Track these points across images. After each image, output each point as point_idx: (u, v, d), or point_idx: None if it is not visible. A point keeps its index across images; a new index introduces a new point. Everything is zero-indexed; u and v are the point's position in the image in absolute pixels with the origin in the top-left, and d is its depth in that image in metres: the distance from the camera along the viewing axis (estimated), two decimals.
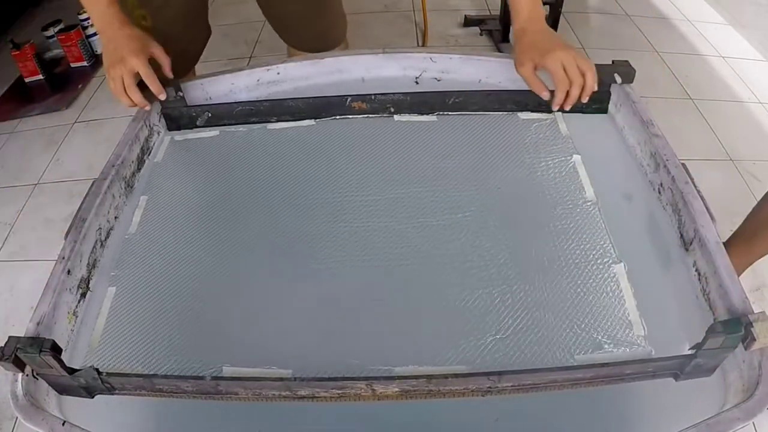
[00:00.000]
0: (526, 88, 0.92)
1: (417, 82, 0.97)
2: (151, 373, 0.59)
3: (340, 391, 0.52)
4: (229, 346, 0.62)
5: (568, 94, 0.82)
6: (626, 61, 0.86)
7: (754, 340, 0.51)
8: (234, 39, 2.32)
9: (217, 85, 0.94)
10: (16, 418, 1.03)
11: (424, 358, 0.59)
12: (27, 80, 2.25)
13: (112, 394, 0.57)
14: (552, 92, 0.84)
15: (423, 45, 2.28)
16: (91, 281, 0.68)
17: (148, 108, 0.88)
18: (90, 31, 2.32)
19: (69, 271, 0.64)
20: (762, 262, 1.19)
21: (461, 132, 0.87)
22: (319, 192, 0.79)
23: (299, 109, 0.90)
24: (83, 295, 0.66)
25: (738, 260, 1.14)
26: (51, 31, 2.31)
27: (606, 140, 0.86)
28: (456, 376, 0.53)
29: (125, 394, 0.56)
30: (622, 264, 0.67)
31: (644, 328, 0.61)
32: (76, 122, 2.03)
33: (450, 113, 0.91)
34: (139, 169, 0.83)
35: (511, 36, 2.22)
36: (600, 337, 0.60)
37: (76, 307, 0.65)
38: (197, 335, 0.63)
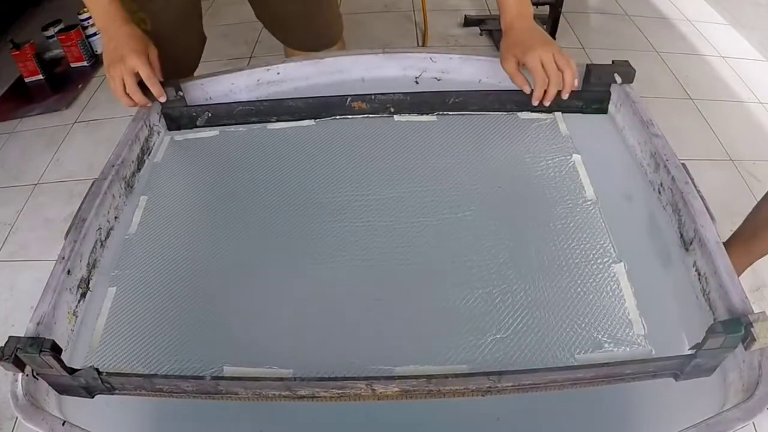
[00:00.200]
0: None
1: (417, 82, 0.97)
2: (152, 373, 0.59)
3: (340, 391, 0.52)
4: (230, 346, 0.62)
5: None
6: (626, 61, 0.86)
7: (754, 340, 0.51)
8: (234, 39, 2.33)
9: (217, 85, 0.94)
10: (16, 418, 1.03)
11: (425, 358, 0.59)
12: (27, 80, 2.25)
13: (112, 394, 0.57)
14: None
15: (423, 45, 2.28)
16: (91, 281, 0.68)
17: (149, 105, 0.88)
18: (90, 31, 2.32)
19: (69, 271, 0.64)
20: (762, 262, 1.19)
21: (461, 132, 0.87)
22: (319, 192, 0.79)
23: (299, 109, 0.90)
24: (83, 295, 0.66)
25: (738, 260, 1.14)
26: (51, 31, 2.31)
27: (606, 140, 0.86)
28: (456, 376, 0.53)
29: (125, 394, 0.56)
30: (622, 263, 0.67)
31: (644, 328, 0.61)
32: (76, 122, 2.03)
33: (450, 113, 0.91)
34: (139, 169, 0.83)
35: None
36: (600, 337, 0.60)
37: (76, 307, 0.65)
38: (198, 335, 0.63)
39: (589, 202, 0.75)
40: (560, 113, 0.89)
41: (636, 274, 0.66)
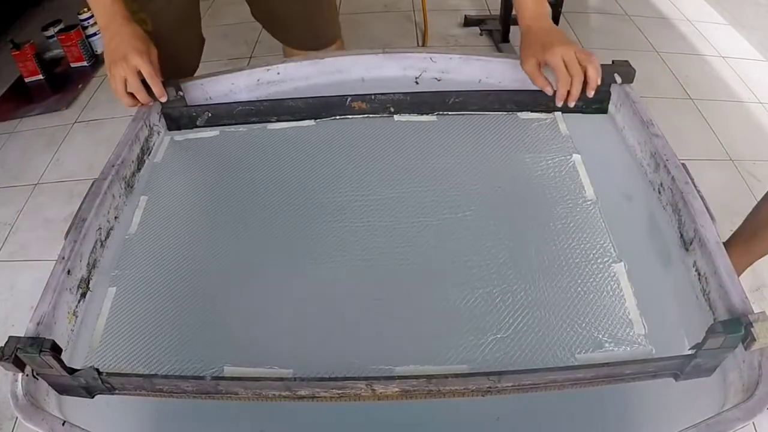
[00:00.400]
0: (525, 88, 0.92)
1: (417, 82, 0.97)
2: (152, 373, 0.59)
3: (340, 391, 0.52)
4: (230, 346, 0.62)
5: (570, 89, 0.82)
6: (626, 61, 0.86)
7: (754, 340, 0.51)
8: (234, 39, 2.33)
9: (217, 85, 0.94)
10: (16, 418, 1.03)
11: (425, 358, 0.59)
12: (27, 80, 2.25)
13: (112, 394, 0.57)
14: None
15: (423, 45, 2.28)
16: (91, 281, 0.68)
17: (150, 105, 0.88)
18: (90, 31, 2.32)
19: (69, 271, 0.64)
20: (762, 262, 1.19)
21: (461, 132, 0.87)
22: (319, 192, 0.79)
23: (299, 109, 0.90)
24: (83, 295, 0.66)
25: (738, 260, 1.14)
26: (51, 31, 2.31)
27: (606, 140, 0.86)
28: (456, 376, 0.53)
29: (125, 394, 0.56)
30: (622, 263, 0.67)
31: (644, 327, 0.61)
32: (76, 122, 2.03)
33: (450, 113, 0.91)
34: (139, 169, 0.83)
35: (518, 36, 2.22)
36: (600, 336, 0.60)
37: (76, 307, 0.65)
38: (198, 335, 0.63)
39: (589, 202, 0.75)
40: (560, 113, 0.89)
41: (636, 274, 0.66)
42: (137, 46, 0.84)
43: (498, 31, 2.24)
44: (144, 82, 0.85)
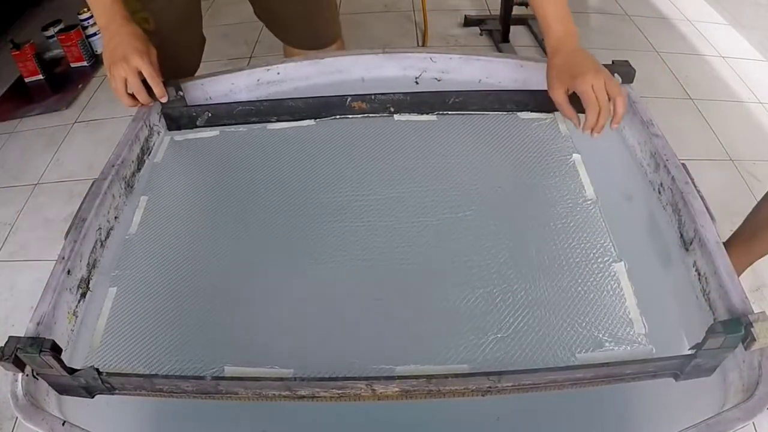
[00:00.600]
0: (526, 88, 0.92)
1: (417, 82, 0.97)
2: (153, 373, 0.59)
3: (340, 391, 0.52)
4: (230, 346, 0.62)
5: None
6: (626, 61, 0.86)
7: (754, 340, 0.51)
8: (234, 39, 2.32)
9: (217, 85, 0.94)
10: (16, 418, 1.03)
11: (425, 358, 0.59)
12: (27, 80, 2.25)
13: (112, 394, 0.57)
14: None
15: (423, 45, 2.28)
16: (91, 281, 0.68)
17: (151, 105, 0.88)
18: (90, 31, 2.32)
19: (69, 271, 0.64)
20: (762, 262, 1.19)
21: (461, 132, 0.87)
22: (319, 192, 0.79)
23: (299, 109, 0.90)
24: (83, 295, 0.66)
25: (738, 260, 1.14)
26: (51, 31, 2.31)
27: (606, 140, 0.86)
28: (456, 376, 0.53)
29: (125, 394, 0.56)
30: (622, 263, 0.67)
31: (645, 326, 0.61)
32: (76, 122, 2.03)
33: (450, 113, 0.91)
34: (139, 169, 0.83)
35: (518, 36, 2.23)
36: (601, 336, 0.60)
37: (76, 307, 0.65)
38: (198, 335, 0.63)
39: (589, 202, 0.75)
40: (560, 113, 0.89)
41: (636, 274, 0.66)
42: (137, 46, 0.84)
43: (498, 31, 2.24)
44: (144, 82, 0.85)
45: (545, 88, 0.88)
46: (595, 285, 0.65)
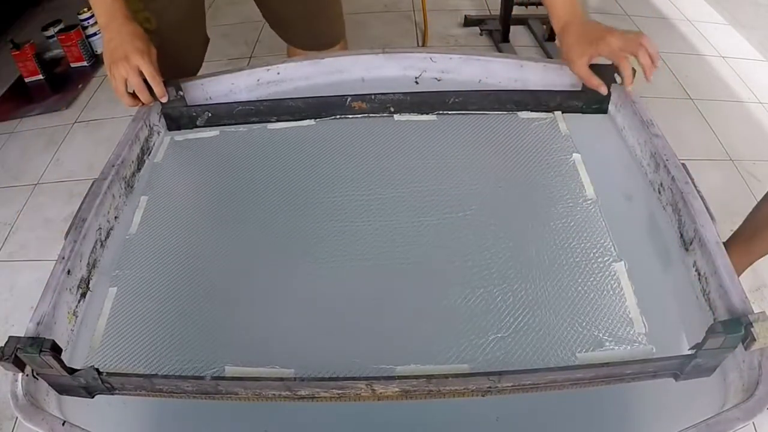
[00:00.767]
0: (526, 88, 0.92)
1: (417, 82, 0.97)
2: (153, 373, 0.59)
3: (340, 391, 0.52)
4: (231, 346, 0.62)
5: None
6: None
7: (754, 340, 0.51)
8: (234, 39, 2.32)
9: (217, 85, 0.94)
10: (16, 418, 1.03)
11: (426, 357, 0.59)
12: (27, 80, 2.25)
13: (112, 394, 0.57)
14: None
15: (423, 45, 2.28)
16: (91, 281, 0.68)
17: (151, 105, 0.88)
18: (90, 31, 2.32)
19: (69, 271, 0.64)
20: (762, 262, 1.19)
21: (461, 131, 0.87)
22: (319, 192, 0.79)
23: (299, 109, 0.90)
24: (83, 295, 0.66)
25: (738, 260, 1.14)
26: (51, 31, 2.31)
27: (606, 140, 0.86)
28: (456, 376, 0.53)
29: (125, 394, 0.56)
30: (622, 262, 0.67)
31: (645, 326, 0.61)
32: (76, 122, 2.03)
33: (450, 113, 0.91)
34: (139, 169, 0.83)
35: (517, 36, 2.23)
36: (601, 335, 0.60)
37: (76, 307, 0.65)
38: (199, 335, 0.63)
39: (589, 201, 0.75)
40: (560, 113, 0.89)
41: (636, 274, 0.66)
42: (138, 45, 0.84)
43: (498, 31, 2.24)
44: (145, 81, 0.85)
45: (545, 88, 0.88)
46: (595, 284, 0.65)
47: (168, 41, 0.92)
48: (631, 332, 0.60)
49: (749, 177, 1.64)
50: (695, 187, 0.69)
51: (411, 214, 0.75)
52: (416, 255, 0.70)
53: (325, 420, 0.62)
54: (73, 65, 2.32)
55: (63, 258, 0.65)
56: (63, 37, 2.26)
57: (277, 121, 0.91)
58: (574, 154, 0.82)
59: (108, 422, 0.60)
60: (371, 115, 0.91)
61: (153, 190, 0.81)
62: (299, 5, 1.14)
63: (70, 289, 0.64)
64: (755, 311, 0.54)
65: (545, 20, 2.21)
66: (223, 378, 0.56)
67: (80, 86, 2.20)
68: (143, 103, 0.87)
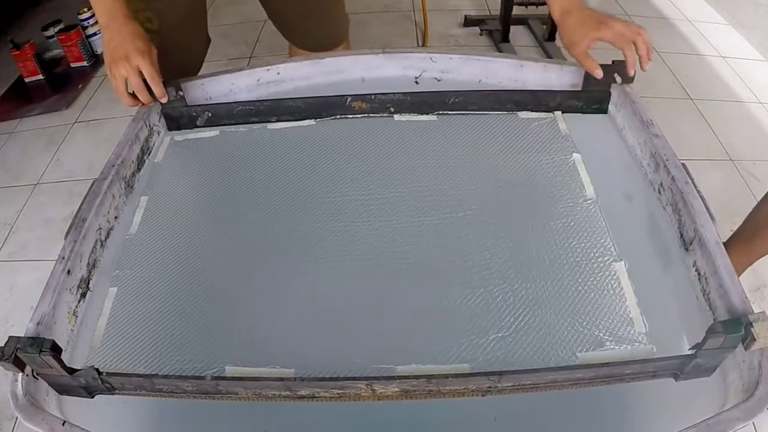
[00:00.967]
0: (525, 88, 0.92)
1: (417, 82, 0.97)
2: (153, 373, 0.59)
3: (340, 391, 0.52)
4: (231, 346, 0.62)
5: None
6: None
7: (754, 340, 0.51)
8: (234, 39, 2.32)
9: (217, 85, 0.94)
10: (16, 418, 1.03)
11: (426, 357, 0.59)
12: (27, 80, 2.25)
13: (112, 394, 0.57)
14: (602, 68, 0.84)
15: (423, 45, 2.28)
16: (91, 281, 0.68)
17: (151, 105, 0.88)
18: (90, 31, 2.32)
19: (69, 271, 0.64)
20: (762, 262, 1.19)
21: (461, 131, 0.87)
22: (319, 192, 0.79)
23: (299, 109, 0.90)
24: (83, 295, 0.66)
25: (738, 260, 1.14)
26: (51, 31, 2.31)
27: (606, 140, 0.86)
28: (456, 376, 0.53)
29: (125, 394, 0.56)
30: (622, 262, 0.67)
31: (645, 326, 0.61)
32: (76, 122, 2.03)
33: (450, 113, 0.91)
34: (139, 169, 0.83)
35: (517, 36, 2.22)
36: (601, 335, 0.60)
37: (76, 307, 0.65)
38: (199, 335, 0.63)
39: (589, 201, 0.75)
40: (560, 113, 0.89)
41: (636, 274, 0.66)
42: (139, 45, 0.84)
43: (498, 31, 2.24)
44: (145, 81, 0.85)
45: (545, 88, 0.88)
46: (596, 284, 0.65)
47: (169, 41, 0.92)
48: (632, 332, 0.60)
49: (749, 177, 1.64)
50: (695, 187, 0.69)
51: (411, 214, 0.75)
52: (416, 255, 0.70)
53: (325, 420, 0.62)
54: (73, 65, 2.32)
55: (63, 258, 0.65)
56: (63, 37, 2.26)
57: (277, 121, 0.91)
58: (574, 154, 0.82)
59: (108, 422, 0.61)
60: (371, 115, 0.91)
61: (153, 190, 0.81)
62: (303, 6, 1.14)
63: (70, 289, 0.64)
64: (755, 311, 0.54)
65: (545, 20, 2.21)
66: (223, 378, 0.56)
67: (80, 86, 2.20)
68: (143, 103, 0.87)
